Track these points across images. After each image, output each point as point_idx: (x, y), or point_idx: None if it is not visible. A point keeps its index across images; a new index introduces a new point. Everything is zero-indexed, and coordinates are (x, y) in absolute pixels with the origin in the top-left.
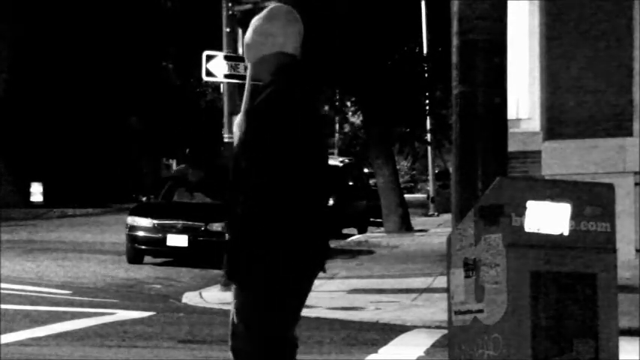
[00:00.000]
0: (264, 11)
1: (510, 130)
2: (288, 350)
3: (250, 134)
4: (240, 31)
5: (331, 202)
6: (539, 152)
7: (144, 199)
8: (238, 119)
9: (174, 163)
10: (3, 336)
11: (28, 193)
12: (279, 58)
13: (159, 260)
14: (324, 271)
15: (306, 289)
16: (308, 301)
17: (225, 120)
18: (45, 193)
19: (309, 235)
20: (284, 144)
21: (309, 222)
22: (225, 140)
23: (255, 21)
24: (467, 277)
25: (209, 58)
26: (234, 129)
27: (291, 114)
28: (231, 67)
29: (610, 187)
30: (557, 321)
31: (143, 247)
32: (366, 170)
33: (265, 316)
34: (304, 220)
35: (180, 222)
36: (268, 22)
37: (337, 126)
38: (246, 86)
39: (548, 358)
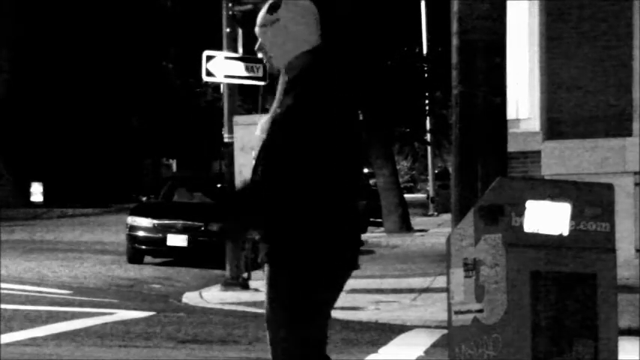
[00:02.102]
0: (284, 9)
1: (510, 130)
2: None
3: (288, 139)
4: (240, 31)
5: None
6: (539, 152)
7: (144, 199)
8: (263, 121)
9: (174, 163)
10: (3, 336)
11: (28, 193)
12: (308, 56)
13: (159, 260)
14: (358, 267)
15: (341, 287)
16: None
17: (225, 120)
18: (45, 193)
19: (345, 232)
20: (322, 146)
21: (346, 220)
22: (225, 140)
23: (286, 19)
24: (467, 277)
25: (209, 58)
26: (257, 132)
27: (326, 117)
28: (231, 68)
29: (610, 187)
30: (557, 321)
31: (143, 247)
32: (366, 170)
33: (310, 318)
34: (342, 217)
35: (180, 222)
36: (295, 21)
37: None
38: (280, 87)
39: (548, 358)
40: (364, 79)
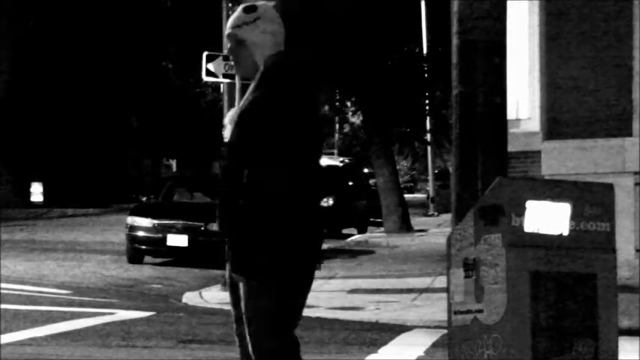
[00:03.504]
0: (263, 10)
1: (510, 130)
2: (298, 349)
3: (250, 133)
4: None
5: (331, 202)
6: (539, 152)
7: (144, 199)
8: (232, 113)
9: (174, 163)
10: (3, 336)
11: (28, 193)
12: (277, 57)
13: (159, 260)
14: (319, 269)
15: (308, 285)
16: (308, 301)
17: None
18: (45, 193)
19: (307, 230)
20: (283, 141)
21: (307, 218)
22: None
23: (265, 18)
24: (467, 277)
25: (209, 58)
26: (225, 121)
27: (286, 112)
28: (231, 67)
29: (610, 187)
30: (557, 321)
31: (143, 247)
32: (366, 170)
33: (273, 312)
34: (302, 215)
35: (180, 222)
36: (273, 22)
37: (337, 126)
38: (253, 84)
39: (548, 358)
40: (364, 79)
